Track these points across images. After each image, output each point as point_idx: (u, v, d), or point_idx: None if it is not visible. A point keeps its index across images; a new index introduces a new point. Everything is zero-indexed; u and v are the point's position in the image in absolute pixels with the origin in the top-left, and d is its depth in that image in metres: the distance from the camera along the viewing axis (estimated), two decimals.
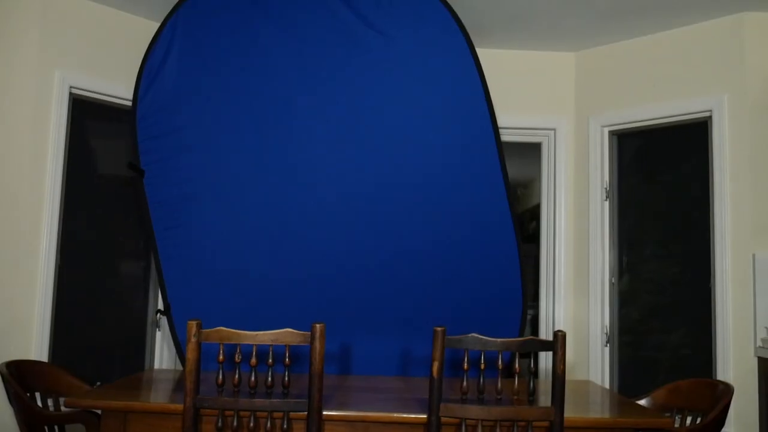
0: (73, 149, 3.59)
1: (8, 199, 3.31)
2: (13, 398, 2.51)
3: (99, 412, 2.58)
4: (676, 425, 2.75)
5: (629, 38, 3.99)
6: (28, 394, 2.67)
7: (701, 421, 2.58)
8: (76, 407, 2.20)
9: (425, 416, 2.13)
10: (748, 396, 3.40)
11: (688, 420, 2.76)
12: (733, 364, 3.45)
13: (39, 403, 2.79)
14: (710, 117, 3.68)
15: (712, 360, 3.56)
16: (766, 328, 3.38)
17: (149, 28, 3.84)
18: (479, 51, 4.20)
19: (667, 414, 2.80)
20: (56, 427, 2.62)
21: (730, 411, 3.36)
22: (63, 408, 2.71)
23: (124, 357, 3.80)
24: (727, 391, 2.57)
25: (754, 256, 3.46)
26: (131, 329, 3.83)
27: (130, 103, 3.73)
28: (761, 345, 3.38)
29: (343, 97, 3.27)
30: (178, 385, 2.54)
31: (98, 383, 3.40)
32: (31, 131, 3.37)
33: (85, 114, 3.66)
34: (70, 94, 3.55)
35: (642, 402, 2.84)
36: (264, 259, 3.28)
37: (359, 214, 3.28)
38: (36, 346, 3.32)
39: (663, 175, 3.90)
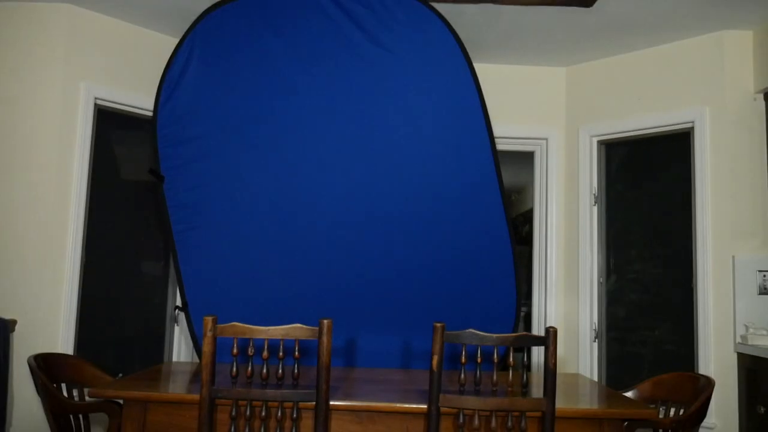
0: (97, 156, 3.60)
1: (37, 202, 3.32)
2: (41, 389, 2.52)
3: (121, 401, 2.58)
4: (661, 416, 2.74)
5: (617, 54, 4.00)
6: (55, 385, 2.67)
7: (684, 412, 2.57)
8: (99, 397, 2.21)
9: (425, 406, 2.13)
10: (728, 389, 3.39)
11: (672, 411, 2.75)
12: (713, 359, 3.44)
13: (65, 394, 2.80)
14: (692, 128, 3.67)
15: (694, 355, 3.55)
16: (745, 325, 3.38)
17: (169, 43, 3.86)
18: (476, 65, 4.21)
19: (652, 405, 2.79)
20: (81, 416, 2.63)
21: (711, 403, 3.35)
22: (87, 398, 2.72)
23: (145, 350, 3.80)
24: (708, 384, 2.57)
25: (733, 257, 3.45)
26: (151, 324, 3.84)
27: (151, 113, 3.74)
28: (740, 341, 3.38)
29: (349, 110, 3.28)
30: (195, 376, 2.55)
31: (120, 375, 3.41)
32: (58, 139, 3.39)
33: (109, 123, 3.67)
34: (95, 104, 3.56)
35: (628, 394, 2.83)
36: (275, 259, 3.29)
37: (365, 219, 3.28)
38: (62, 340, 3.33)
39: (648, 181, 3.90)
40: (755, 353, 3.19)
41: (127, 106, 3.69)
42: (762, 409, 3.10)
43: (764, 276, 3.41)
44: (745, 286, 3.42)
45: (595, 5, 3.31)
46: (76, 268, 3.40)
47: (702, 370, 3.46)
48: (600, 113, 4.05)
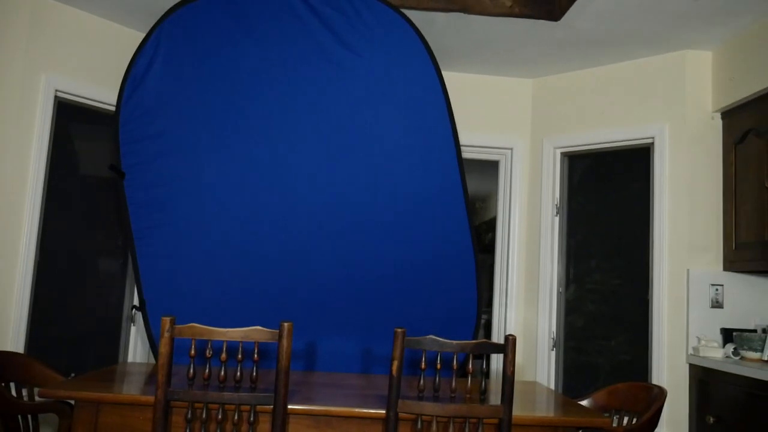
0: (56, 150, 3.51)
1: None
2: None
3: (72, 402, 2.52)
4: (614, 425, 2.79)
5: (582, 68, 4.07)
6: (3, 384, 2.59)
7: (637, 421, 2.62)
8: (49, 397, 2.15)
9: (384, 412, 2.13)
10: (680, 399, 3.47)
11: (625, 420, 2.81)
12: (666, 369, 3.52)
13: (13, 393, 2.71)
14: (653, 143, 3.76)
15: (648, 365, 3.63)
16: (697, 337, 3.46)
17: (134, 37, 3.79)
18: (444, 73, 4.23)
19: (606, 414, 2.84)
20: (30, 417, 2.55)
21: (663, 412, 3.43)
22: (37, 398, 2.64)
23: (99, 350, 3.71)
24: (660, 394, 2.62)
25: (688, 271, 3.54)
26: (107, 323, 3.75)
27: (113, 108, 3.66)
28: (692, 353, 3.46)
29: (317, 111, 3.27)
30: (151, 378, 2.50)
31: (72, 375, 3.32)
32: (16, 131, 3.29)
33: (70, 117, 3.59)
34: (56, 97, 3.48)
35: (584, 402, 2.88)
36: (236, 260, 3.25)
37: (328, 221, 3.27)
38: (12, 338, 3.23)
39: (609, 194, 3.98)
40: (706, 365, 3.28)
41: (89, 99, 3.62)
42: (711, 420, 3.19)
43: (716, 290, 3.51)
44: (699, 299, 3.51)
45: (563, 20, 3.37)
46: (29, 264, 3.30)
47: (655, 380, 3.54)
48: (564, 125, 4.12)
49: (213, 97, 3.26)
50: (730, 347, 3.30)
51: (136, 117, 3.24)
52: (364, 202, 3.28)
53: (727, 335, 3.45)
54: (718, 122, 3.63)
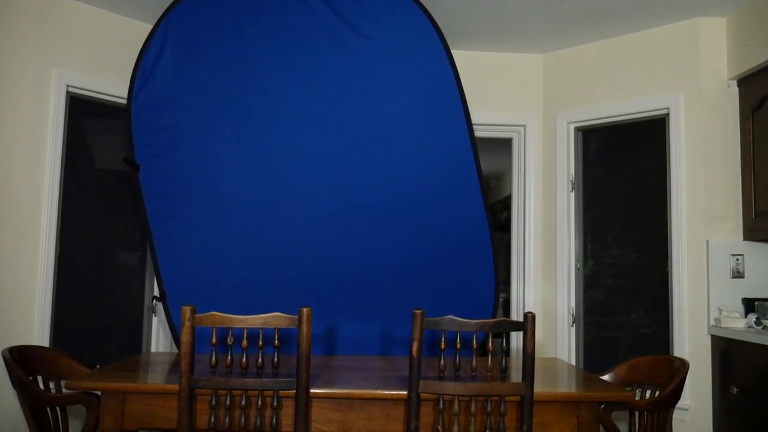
0: (71, 145, 3.53)
1: (9, 193, 3.26)
2: (17, 382, 2.48)
3: (99, 393, 2.56)
4: (637, 398, 2.79)
5: (593, 41, 4.01)
6: (31, 378, 2.64)
7: (659, 394, 2.61)
8: (76, 389, 2.18)
9: (406, 392, 2.14)
10: (702, 371, 3.45)
11: (648, 393, 2.80)
12: (688, 341, 3.50)
13: (41, 386, 2.76)
14: (668, 114, 3.71)
15: (669, 338, 3.61)
16: (718, 308, 3.44)
17: (142, 29, 3.79)
18: (454, 52, 4.20)
19: (629, 388, 2.84)
20: (58, 409, 2.60)
21: (685, 385, 3.41)
22: (64, 390, 2.69)
23: (122, 341, 3.76)
24: (683, 366, 2.61)
25: (707, 242, 3.50)
26: (129, 315, 3.80)
27: (125, 101, 3.68)
28: (714, 324, 3.44)
29: (327, 95, 3.26)
30: (174, 366, 2.53)
31: (97, 366, 3.37)
32: (30, 128, 3.32)
33: (83, 112, 3.61)
34: (68, 92, 3.49)
35: (605, 377, 2.87)
36: (253, 247, 3.27)
37: (343, 206, 3.27)
38: (38, 332, 3.28)
39: (624, 167, 3.94)
40: (728, 335, 3.25)
41: (101, 93, 3.63)
42: (735, 390, 3.17)
43: (737, 260, 3.47)
44: (719, 270, 3.47)
45: None
46: (50, 259, 3.34)
47: (677, 352, 3.52)
48: (577, 100, 4.07)
49: (222, 85, 3.26)
50: (752, 317, 3.27)
51: (148, 109, 3.25)
52: (378, 185, 3.27)
53: (749, 305, 3.42)
54: (734, 90, 3.57)
